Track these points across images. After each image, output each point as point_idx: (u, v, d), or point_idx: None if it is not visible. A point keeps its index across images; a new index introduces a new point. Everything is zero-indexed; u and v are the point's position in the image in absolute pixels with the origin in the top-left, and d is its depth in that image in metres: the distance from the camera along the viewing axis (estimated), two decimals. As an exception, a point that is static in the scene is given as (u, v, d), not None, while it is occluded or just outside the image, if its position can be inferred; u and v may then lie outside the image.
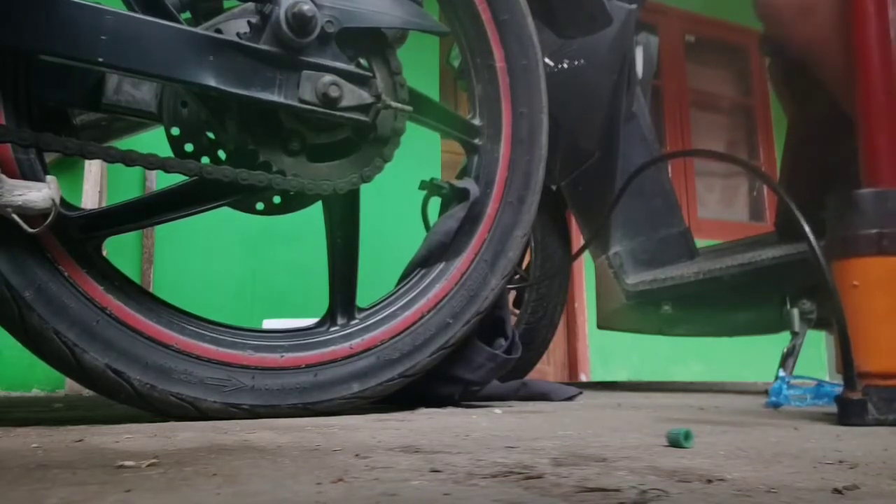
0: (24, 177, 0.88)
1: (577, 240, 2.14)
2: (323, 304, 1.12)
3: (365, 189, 1.11)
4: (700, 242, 2.07)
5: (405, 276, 1.19)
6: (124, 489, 0.47)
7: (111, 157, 0.89)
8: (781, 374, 1.42)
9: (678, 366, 4.11)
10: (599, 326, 2.19)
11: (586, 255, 2.17)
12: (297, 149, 1.02)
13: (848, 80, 1.34)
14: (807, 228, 1.01)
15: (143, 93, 1.07)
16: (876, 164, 1.05)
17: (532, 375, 1.99)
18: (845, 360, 0.95)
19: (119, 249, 2.56)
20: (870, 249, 0.97)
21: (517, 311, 2.12)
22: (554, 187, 2.02)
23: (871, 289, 0.97)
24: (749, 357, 3.63)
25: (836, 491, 0.48)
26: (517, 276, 2.10)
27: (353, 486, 0.49)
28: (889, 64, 1.08)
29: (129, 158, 0.90)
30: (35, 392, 2.37)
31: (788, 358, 1.65)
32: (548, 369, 3.89)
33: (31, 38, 0.85)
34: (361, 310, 1.12)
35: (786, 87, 1.87)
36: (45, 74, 0.98)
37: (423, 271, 1.17)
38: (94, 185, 2.43)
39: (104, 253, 0.98)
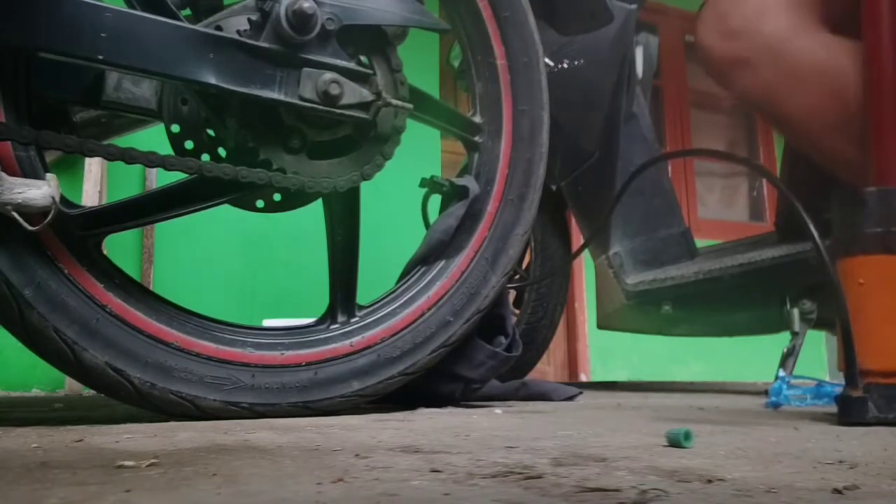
0: (24, 174, 0.88)
1: (577, 240, 2.14)
2: (323, 304, 1.12)
3: (365, 187, 1.10)
4: (700, 242, 2.07)
5: (405, 273, 1.19)
6: (124, 489, 0.47)
7: (111, 154, 0.89)
8: (781, 374, 1.41)
9: (678, 366, 4.11)
10: (599, 326, 2.19)
11: (586, 255, 2.17)
12: (298, 146, 1.02)
13: (794, 124, 1.33)
14: (811, 225, 1.01)
15: (144, 90, 1.07)
16: (883, 162, 1.05)
17: (532, 375, 1.99)
18: (848, 357, 0.95)
19: (119, 249, 2.56)
20: (876, 248, 0.97)
21: (517, 311, 2.12)
22: (554, 187, 2.02)
23: (876, 287, 0.97)
24: (749, 357, 3.63)
25: (836, 491, 0.48)
26: (517, 276, 2.10)
27: (353, 486, 0.49)
28: None
29: (130, 156, 0.90)
30: (35, 392, 2.36)
31: (788, 358, 1.65)
32: (548, 369, 3.89)
33: (31, 35, 0.85)
34: (362, 307, 1.12)
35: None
36: (44, 72, 0.98)
37: (423, 269, 1.17)
38: (95, 185, 2.43)
39: (104, 251, 0.98)
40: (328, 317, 1.10)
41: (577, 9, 1.58)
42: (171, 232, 2.68)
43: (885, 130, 1.07)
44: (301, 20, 0.96)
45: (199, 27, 0.95)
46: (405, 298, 1.13)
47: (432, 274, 1.16)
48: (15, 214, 0.83)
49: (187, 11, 1.07)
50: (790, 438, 0.79)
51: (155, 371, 0.92)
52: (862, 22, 1.14)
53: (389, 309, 1.12)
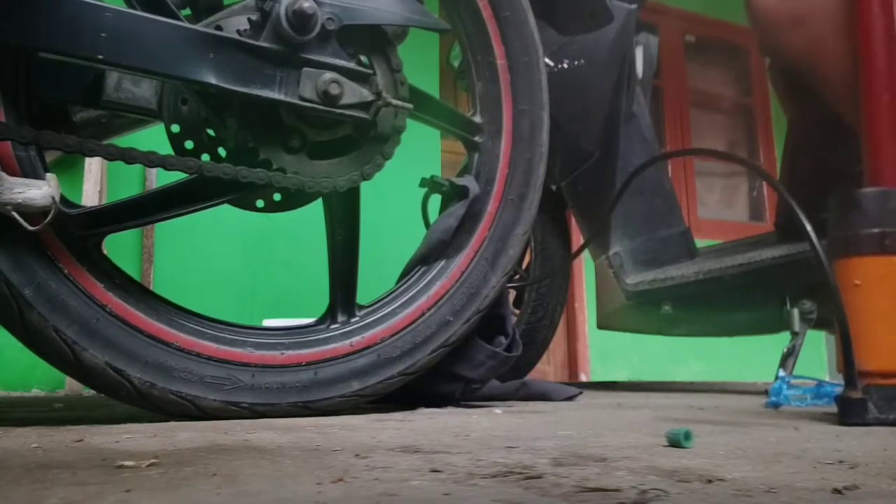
0: (25, 174, 0.88)
1: (577, 240, 2.13)
2: (323, 304, 1.12)
3: (365, 186, 1.10)
4: (700, 242, 2.07)
5: (405, 273, 1.19)
6: (124, 489, 0.47)
7: (111, 154, 0.89)
8: (781, 374, 1.41)
9: (678, 366, 4.10)
10: (599, 326, 2.19)
11: (586, 255, 2.17)
12: (298, 146, 1.02)
13: (845, 84, 1.34)
14: (808, 227, 1.01)
15: (144, 90, 1.07)
16: (878, 163, 1.05)
17: (532, 375, 1.99)
18: (846, 359, 0.95)
19: (119, 249, 2.56)
20: (872, 248, 0.97)
21: (517, 311, 2.12)
22: (554, 187, 2.02)
23: (872, 288, 0.97)
24: (749, 357, 3.63)
25: (836, 491, 0.48)
26: (517, 276, 2.10)
27: (353, 486, 0.49)
28: (893, 64, 1.08)
29: (130, 156, 0.90)
30: (35, 392, 2.36)
31: (788, 358, 1.65)
32: (548, 369, 3.89)
33: (31, 35, 0.85)
34: (362, 307, 1.12)
35: (785, 88, 1.87)
36: (45, 72, 0.98)
37: (423, 269, 1.17)
38: (95, 185, 2.43)
39: (104, 251, 0.98)
40: (328, 317, 1.10)
41: (577, 9, 1.58)
42: (171, 232, 2.68)
43: (880, 132, 1.07)
44: (301, 20, 0.96)
45: (199, 27, 0.95)
46: (405, 298, 1.13)
47: (432, 274, 1.16)
48: (15, 214, 0.83)
49: (187, 11, 1.07)
50: (790, 438, 0.79)
51: (155, 371, 0.92)
52: (855, 24, 1.14)
53: (389, 309, 1.12)
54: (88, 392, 2.08)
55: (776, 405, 1.28)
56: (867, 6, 1.11)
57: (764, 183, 4.92)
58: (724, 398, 1.62)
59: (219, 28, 0.98)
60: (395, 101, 1.04)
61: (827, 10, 1.35)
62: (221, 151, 1.09)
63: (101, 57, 0.87)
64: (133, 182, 2.64)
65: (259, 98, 0.96)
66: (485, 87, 1.25)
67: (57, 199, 0.85)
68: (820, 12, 1.36)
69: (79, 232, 0.93)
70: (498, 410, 1.17)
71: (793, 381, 1.38)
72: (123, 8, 0.90)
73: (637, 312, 2.00)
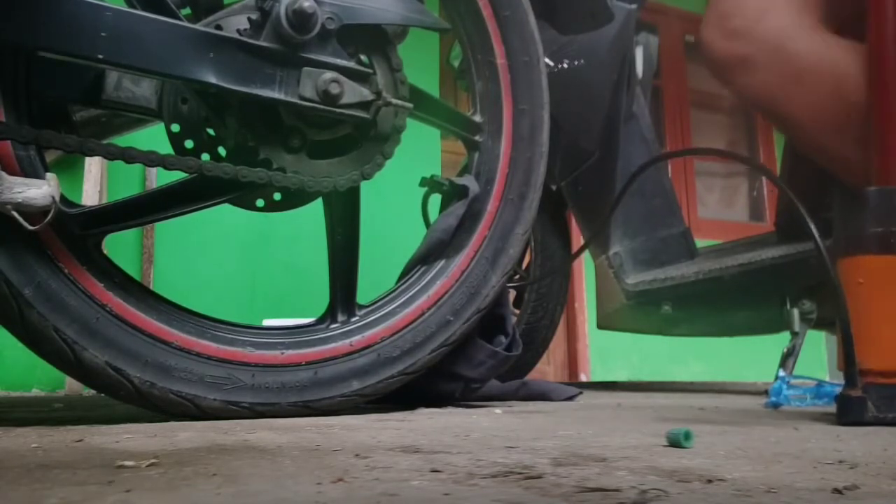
0: (25, 174, 0.88)
1: (577, 240, 2.14)
2: (323, 304, 1.12)
3: (365, 186, 1.10)
4: (700, 242, 2.07)
5: (405, 273, 1.19)
6: (124, 489, 0.47)
7: (111, 154, 0.89)
8: (781, 374, 1.41)
9: (678, 366, 4.11)
10: (599, 326, 2.19)
11: (586, 255, 2.17)
12: (298, 146, 1.02)
13: (806, 129, 1.31)
14: (811, 224, 1.01)
15: (144, 89, 1.07)
16: (885, 161, 1.04)
17: (532, 375, 1.99)
18: (847, 357, 0.95)
19: (119, 249, 2.56)
20: (876, 247, 0.97)
21: (517, 311, 2.12)
22: (554, 187, 2.02)
23: (876, 287, 0.96)
24: (749, 357, 3.63)
25: (836, 491, 0.48)
26: (517, 276, 2.10)
27: (353, 486, 0.49)
28: None
29: (129, 155, 0.90)
30: (35, 392, 2.36)
31: (788, 358, 1.65)
32: (548, 369, 3.89)
33: (31, 34, 0.85)
34: (362, 307, 1.12)
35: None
36: (45, 71, 0.98)
37: (423, 268, 1.17)
38: (95, 185, 2.43)
39: (104, 250, 0.98)
40: (328, 316, 1.10)
41: (577, 9, 1.58)
42: (171, 232, 2.68)
43: (889, 129, 1.06)
44: (301, 19, 0.96)
45: (199, 26, 0.95)
46: (405, 298, 1.13)
47: (432, 273, 1.16)
48: (15, 214, 0.83)
49: (187, 10, 1.07)
50: (790, 438, 0.79)
51: (155, 370, 0.92)
52: (867, 20, 1.13)
53: (389, 308, 1.12)
54: (88, 392, 2.08)
55: (776, 405, 1.28)
56: (880, 4, 1.09)
57: (764, 182, 4.92)
58: (724, 398, 1.62)
59: (219, 27, 0.98)
60: (395, 101, 1.04)
61: (771, 53, 1.29)
62: (221, 151, 1.09)
63: (101, 56, 0.87)
64: (133, 182, 2.64)
65: (259, 97, 0.96)
66: (485, 86, 1.25)
67: (57, 198, 0.85)
68: (765, 55, 1.29)
69: (79, 231, 0.93)
70: (498, 410, 1.17)
71: (793, 381, 1.38)
72: (123, 7, 0.90)
73: (637, 312, 2.00)
